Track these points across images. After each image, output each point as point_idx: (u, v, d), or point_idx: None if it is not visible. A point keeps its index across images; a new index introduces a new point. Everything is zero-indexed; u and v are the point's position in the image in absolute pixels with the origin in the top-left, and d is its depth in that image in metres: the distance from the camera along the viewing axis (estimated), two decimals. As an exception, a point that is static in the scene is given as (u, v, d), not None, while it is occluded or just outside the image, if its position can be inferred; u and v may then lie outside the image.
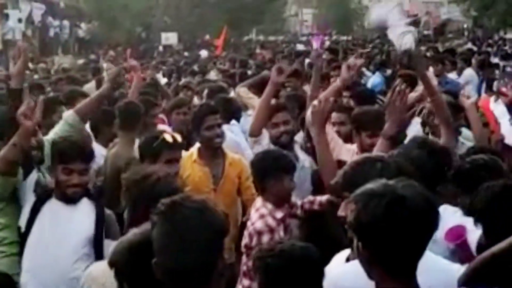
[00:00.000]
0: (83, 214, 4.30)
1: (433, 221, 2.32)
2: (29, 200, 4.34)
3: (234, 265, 4.83)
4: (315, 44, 7.56)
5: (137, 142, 5.67)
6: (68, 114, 4.83)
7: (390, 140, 4.13)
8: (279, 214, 4.23)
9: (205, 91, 8.22)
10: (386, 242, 2.26)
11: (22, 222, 4.31)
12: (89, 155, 4.35)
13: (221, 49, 24.24)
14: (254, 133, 5.31)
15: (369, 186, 2.35)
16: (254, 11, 46.71)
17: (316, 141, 4.43)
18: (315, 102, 4.52)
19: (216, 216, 2.52)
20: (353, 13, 59.84)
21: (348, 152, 4.85)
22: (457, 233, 3.38)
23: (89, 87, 11.47)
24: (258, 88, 7.53)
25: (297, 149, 5.46)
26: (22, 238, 4.30)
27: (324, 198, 4.30)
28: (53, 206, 4.28)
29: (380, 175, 2.58)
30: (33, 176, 4.42)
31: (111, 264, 2.80)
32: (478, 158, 3.93)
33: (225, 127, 6.23)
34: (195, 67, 14.57)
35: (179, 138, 4.73)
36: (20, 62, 4.76)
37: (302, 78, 9.70)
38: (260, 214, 4.22)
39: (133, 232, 2.83)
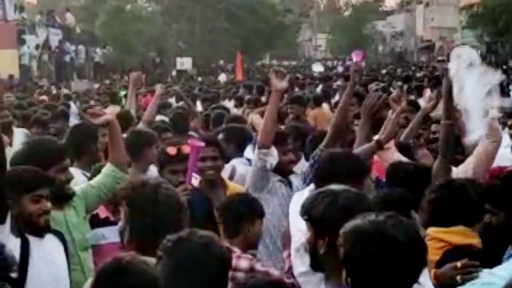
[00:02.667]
0: (56, 245, 3.95)
1: (421, 259, 2.36)
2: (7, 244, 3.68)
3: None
4: (355, 58, 7.29)
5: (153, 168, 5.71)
6: (107, 168, 4.63)
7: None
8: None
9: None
10: (373, 279, 2.30)
11: None
12: (52, 179, 4.04)
13: (241, 74, 24.43)
14: (266, 144, 5.01)
15: (358, 223, 2.37)
16: (267, 36, 47.01)
17: (358, 131, 4.84)
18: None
19: (220, 251, 2.55)
20: (367, 39, 60.06)
21: None
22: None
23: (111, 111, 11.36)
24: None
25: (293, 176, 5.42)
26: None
27: None
28: (34, 244, 3.79)
29: (324, 211, 2.72)
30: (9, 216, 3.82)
31: None
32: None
33: (237, 160, 6.13)
34: (208, 94, 14.51)
35: (186, 150, 4.74)
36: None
37: (306, 105, 9.74)
38: (245, 257, 4.07)
39: None
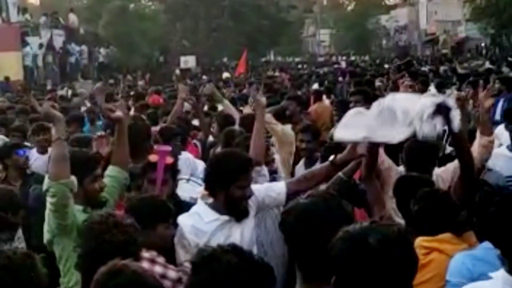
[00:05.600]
0: None
1: (398, 267, 2.31)
2: None
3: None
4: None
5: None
6: (112, 172, 4.76)
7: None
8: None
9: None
10: (349, 279, 2.31)
11: None
12: (14, 224, 3.99)
13: (243, 70, 24.43)
14: (258, 161, 4.93)
15: (349, 227, 2.42)
16: (271, 33, 46.96)
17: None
18: None
19: (254, 274, 2.39)
20: (371, 34, 59.95)
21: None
22: None
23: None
24: (278, 117, 7.54)
25: None
26: None
27: None
28: None
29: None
30: None
31: None
32: None
33: None
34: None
35: (153, 158, 4.78)
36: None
37: (302, 104, 9.76)
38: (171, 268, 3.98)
39: None
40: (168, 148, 4.96)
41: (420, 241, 3.64)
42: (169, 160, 4.81)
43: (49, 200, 4.09)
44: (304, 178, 4.48)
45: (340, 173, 4.45)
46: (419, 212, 3.81)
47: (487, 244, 3.21)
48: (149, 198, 4.26)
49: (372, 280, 2.28)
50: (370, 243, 2.29)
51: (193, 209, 4.27)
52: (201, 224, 4.15)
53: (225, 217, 4.15)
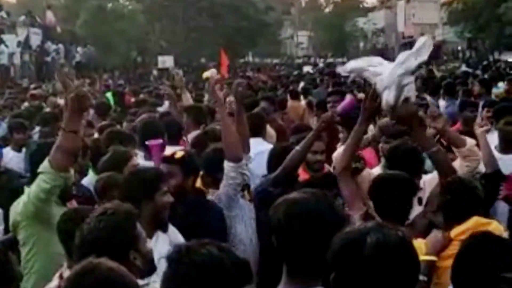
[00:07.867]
0: None
1: (391, 270, 2.29)
2: None
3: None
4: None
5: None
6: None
7: None
8: None
9: None
10: (347, 277, 2.30)
11: None
12: None
13: (225, 72, 24.20)
14: (238, 156, 4.72)
15: (355, 225, 2.45)
16: (249, 34, 46.98)
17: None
18: None
19: (229, 267, 2.34)
20: (348, 36, 60.20)
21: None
22: None
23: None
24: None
25: None
26: None
27: None
28: None
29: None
30: None
31: None
32: None
33: None
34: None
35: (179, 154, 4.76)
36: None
37: (276, 104, 9.78)
38: None
39: None
40: (159, 141, 4.89)
41: (455, 235, 3.81)
42: (168, 152, 4.70)
43: (41, 184, 4.02)
44: None
45: (297, 147, 4.93)
46: (448, 203, 3.95)
47: None
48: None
49: (369, 279, 2.28)
50: (367, 242, 2.29)
51: None
52: None
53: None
